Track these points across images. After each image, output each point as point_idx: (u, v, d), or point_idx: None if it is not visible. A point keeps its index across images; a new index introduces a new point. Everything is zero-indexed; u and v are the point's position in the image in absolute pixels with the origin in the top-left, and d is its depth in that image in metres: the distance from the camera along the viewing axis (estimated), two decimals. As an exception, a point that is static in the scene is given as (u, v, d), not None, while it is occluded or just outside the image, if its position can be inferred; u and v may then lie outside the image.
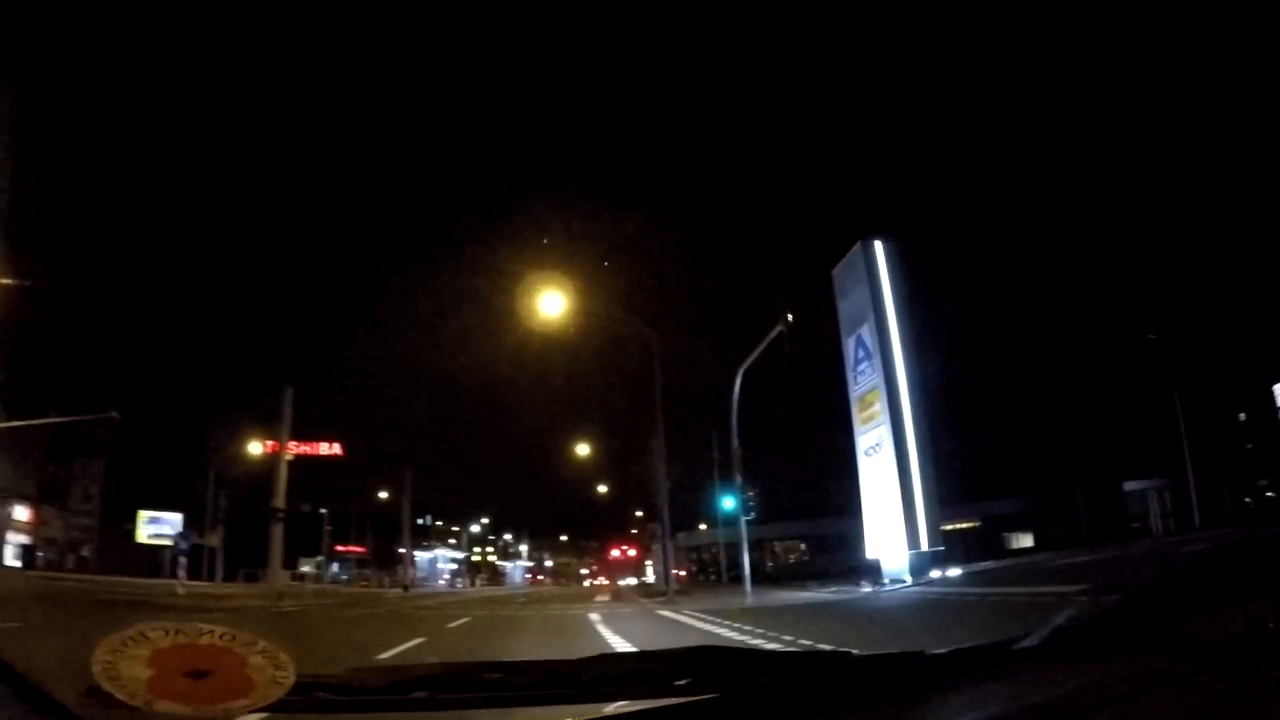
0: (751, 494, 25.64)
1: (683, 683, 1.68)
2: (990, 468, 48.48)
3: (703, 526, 63.18)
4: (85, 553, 50.32)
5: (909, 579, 26.19)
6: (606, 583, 76.27)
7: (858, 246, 31.28)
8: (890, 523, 28.24)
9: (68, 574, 39.67)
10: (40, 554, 45.12)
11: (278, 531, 39.88)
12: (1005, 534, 52.04)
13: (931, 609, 16.83)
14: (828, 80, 76.79)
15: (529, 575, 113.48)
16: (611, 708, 1.73)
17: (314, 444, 52.82)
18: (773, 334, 23.67)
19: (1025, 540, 51.49)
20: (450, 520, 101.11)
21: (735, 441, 25.68)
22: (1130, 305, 50.16)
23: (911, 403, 28.61)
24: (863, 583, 28.20)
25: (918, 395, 28.96)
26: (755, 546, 52.86)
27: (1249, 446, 55.35)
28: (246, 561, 50.09)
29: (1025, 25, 57.49)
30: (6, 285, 28.76)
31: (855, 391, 31.59)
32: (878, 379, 29.44)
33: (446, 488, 79.05)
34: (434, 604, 29.39)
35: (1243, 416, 56.90)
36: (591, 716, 1.73)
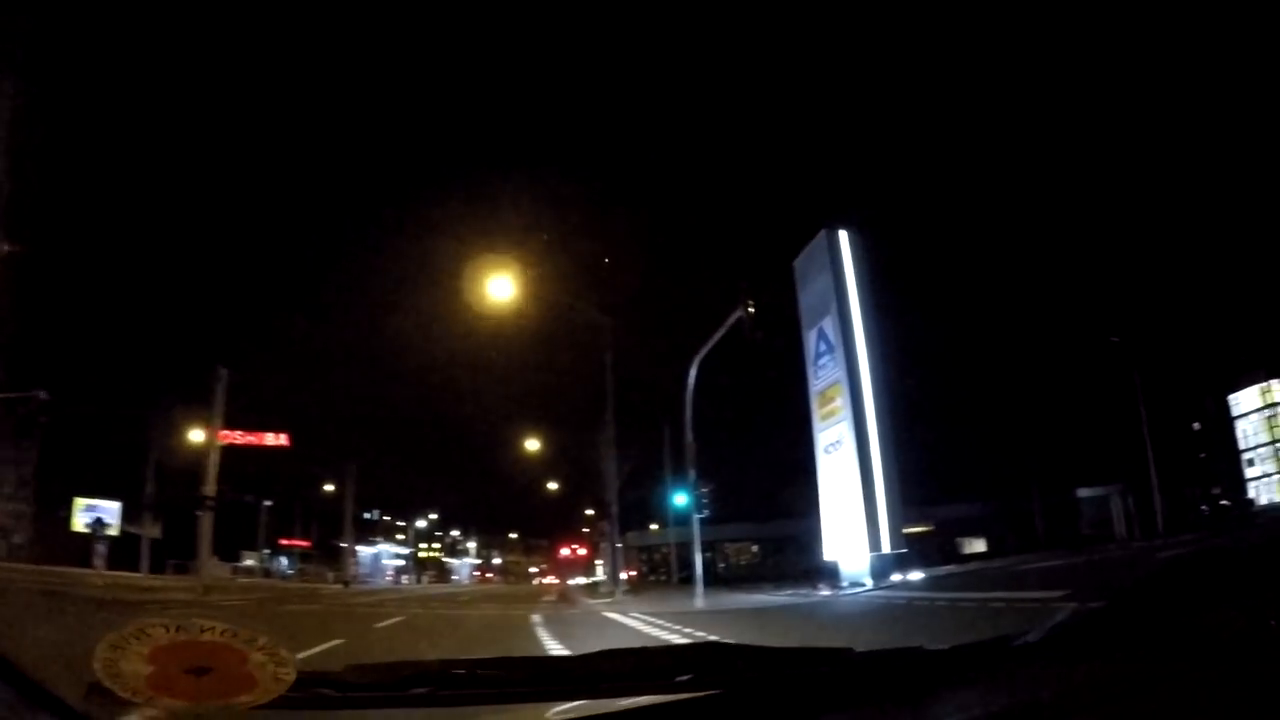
0: (705, 490, 24.22)
1: (684, 679, 1.69)
2: (942, 473, 47.84)
3: (654, 526, 62.30)
4: (18, 540, 47.99)
5: (869, 582, 25.00)
6: (556, 582, 75.12)
7: (821, 235, 30.17)
8: (850, 523, 27.05)
9: (-6, 560, 37.73)
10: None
11: (207, 521, 38.27)
12: (958, 539, 51.17)
13: (900, 615, 15.78)
14: (792, 64, 75.50)
15: (478, 573, 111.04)
16: (612, 704, 1.67)
17: (259, 434, 50.55)
18: (732, 319, 22.26)
19: (978, 545, 50.89)
20: (398, 515, 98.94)
21: (689, 435, 24.33)
22: (1085, 311, 50.09)
23: (875, 398, 27.44)
24: (820, 586, 26.98)
25: (881, 390, 27.81)
26: (707, 547, 52.11)
27: (1202, 455, 55.91)
28: (190, 553, 47.93)
29: (992, 21, 56.95)
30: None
31: (815, 386, 30.39)
32: (839, 373, 28.28)
33: (394, 482, 76.98)
34: (371, 601, 28.56)
35: (1197, 426, 57.45)
36: (592, 713, 1.68)
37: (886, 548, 25.88)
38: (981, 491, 51.22)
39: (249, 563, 62.94)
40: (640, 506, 53.08)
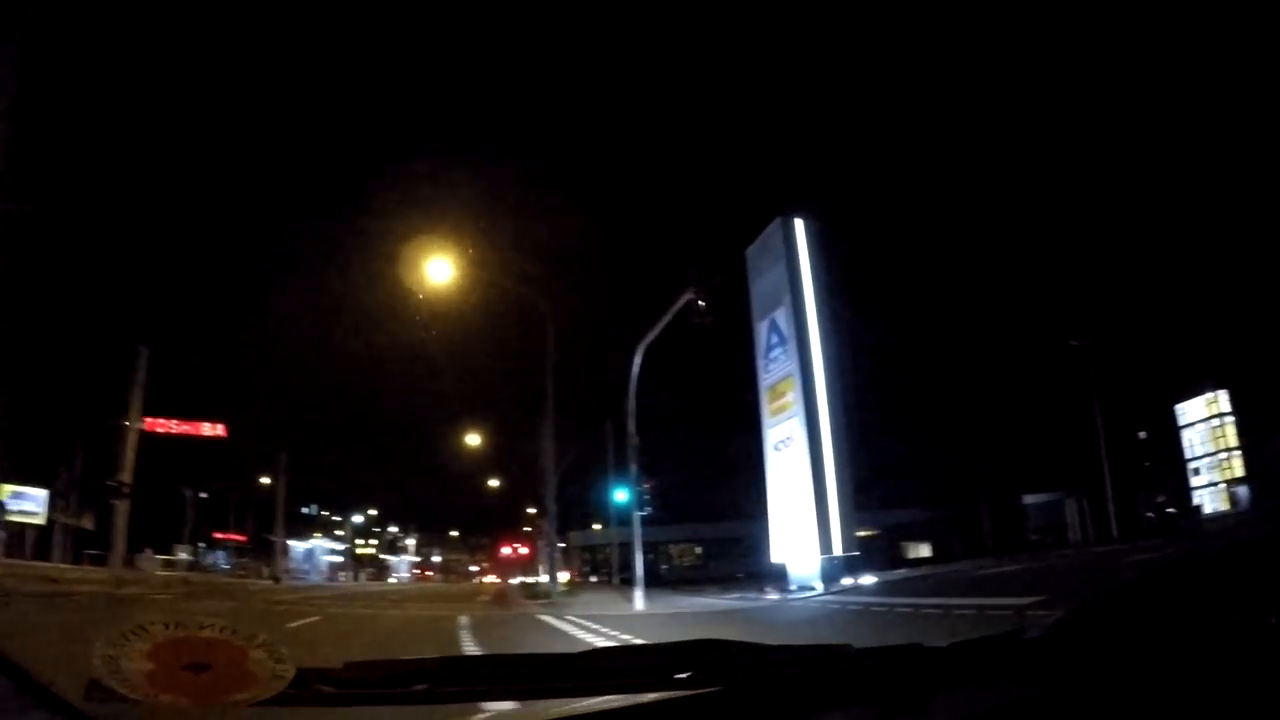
0: (647, 487, 22.77)
1: (683, 676, 1.71)
2: (887, 477, 47.24)
3: (597, 526, 61.72)
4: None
5: (820, 586, 23.76)
6: (497, 581, 74.18)
7: (776, 223, 28.91)
8: (800, 524, 25.75)
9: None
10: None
11: (123, 509, 36.36)
12: (903, 543, 51.16)
13: (857, 623, 14.87)
14: (745, 45, 74.19)
15: (418, 571, 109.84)
16: (611, 701, 1.65)
17: (195, 424, 50.03)
18: (680, 303, 20.81)
19: (923, 550, 51.00)
20: (337, 511, 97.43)
21: (631, 427, 22.97)
22: (1032, 317, 50.10)
23: (829, 392, 26.15)
24: (768, 589, 25.73)
25: (835, 384, 26.54)
26: (651, 548, 51.29)
27: (1147, 464, 56.17)
28: (132, 544, 45.99)
29: (954, 14, 56.37)
30: None
31: (766, 380, 29.08)
32: (792, 366, 27.00)
33: (334, 476, 75.02)
34: (295, 599, 27.56)
35: (1143, 435, 57.67)
36: (592, 710, 1.64)
37: (838, 550, 24.67)
38: (923, 497, 51.51)
39: (183, 556, 61.64)
40: (584, 505, 52.89)
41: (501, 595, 39.10)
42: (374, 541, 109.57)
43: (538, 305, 26.30)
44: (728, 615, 18.76)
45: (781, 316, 27.81)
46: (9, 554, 40.08)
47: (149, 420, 41.48)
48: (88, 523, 50.37)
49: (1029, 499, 51.99)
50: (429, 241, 23.28)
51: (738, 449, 36.93)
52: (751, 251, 30.50)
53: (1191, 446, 56.74)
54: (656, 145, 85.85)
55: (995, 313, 52.36)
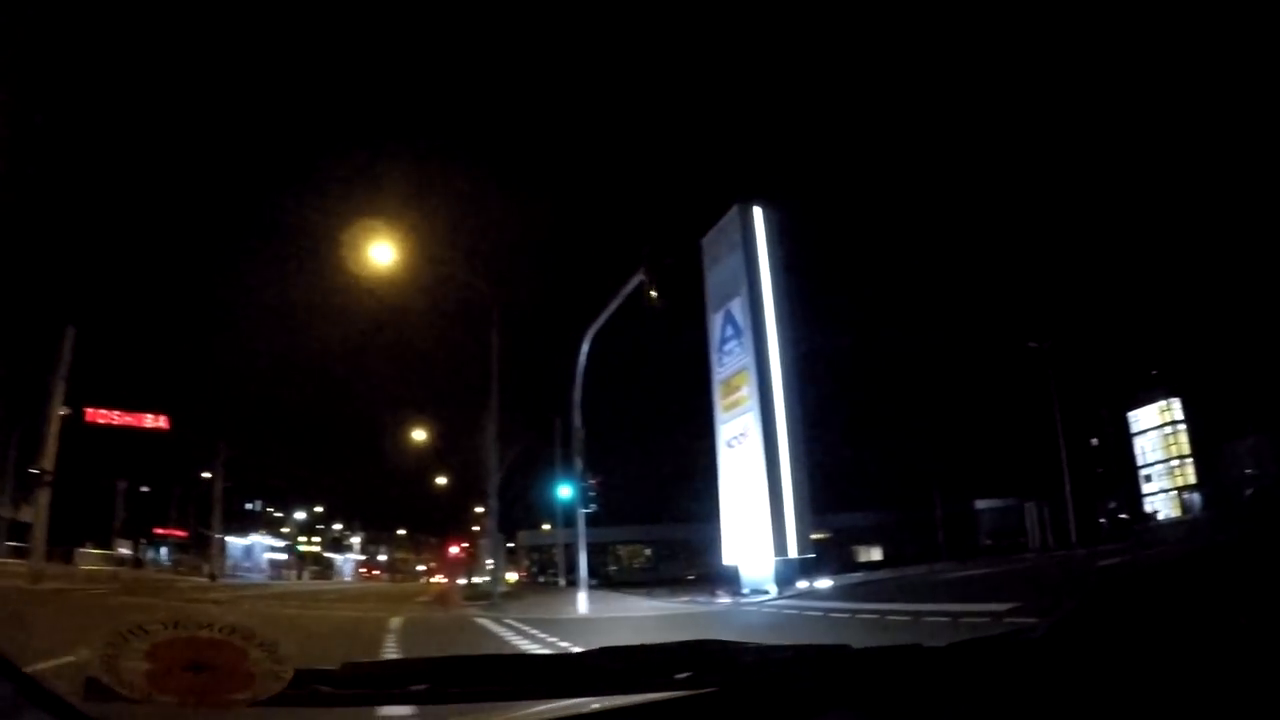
0: (593, 483, 21.47)
1: (683, 676, 1.67)
2: (836, 479, 46.82)
3: (547, 526, 60.96)
4: None
5: (773, 590, 22.56)
6: (445, 580, 73.30)
7: (734, 211, 27.77)
8: (754, 524, 24.54)
9: None
10: None
11: (43, 499, 34.35)
12: (853, 547, 50.83)
13: (818, 631, 13.75)
14: (701, 29, 73.10)
15: (364, 569, 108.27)
16: (612, 701, 1.68)
17: (138, 415, 49.27)
18: (631, 284, 19.53)
19: (874, 554, 50.94)
20: (281, 507, 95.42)
21: (577, 420, 21.63)
22: (988, 323, 50.11)
23: (785, 386, 25.03)
24: (719, 592, 24.53)
25: (791, 378, 25.41)
26: (600, 550, 50.26)
27: (1099, 470, 56.43)
28: (71, 538, 45.78)
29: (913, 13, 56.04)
30: None
31: (720, 374, 27.89)
32: (747, 359, 25.85)
33: (278, 472, 73.42)
34: (224, 597, 26.87)
35: (1095, 441, 57.93)
36: (591, 709, 1.71)
37: (793, 552, 23.54)
38: (872, 500, 51.45)
39: (124, 551, 59.95)
40: (534, 505, 52.20)
41: (443, 596, 37.84)
42: (318, 539, 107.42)
43: (483, 292, 24.86)
44: (677, 621, 17.77)
45: (737, 307, 26.65)
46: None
47: (90, 411, 41.11)
48: (27, 515, 48.61)
49: (981, 504, 52.15)
50: (372, 226, 21.98)
51: (690, 449, 36.29)
52: (708, 241, 29.30)
53: (1144, 453, 57.37)
54: (610, 134, 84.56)
55: (944, 316, 52.28)
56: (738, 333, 26.65)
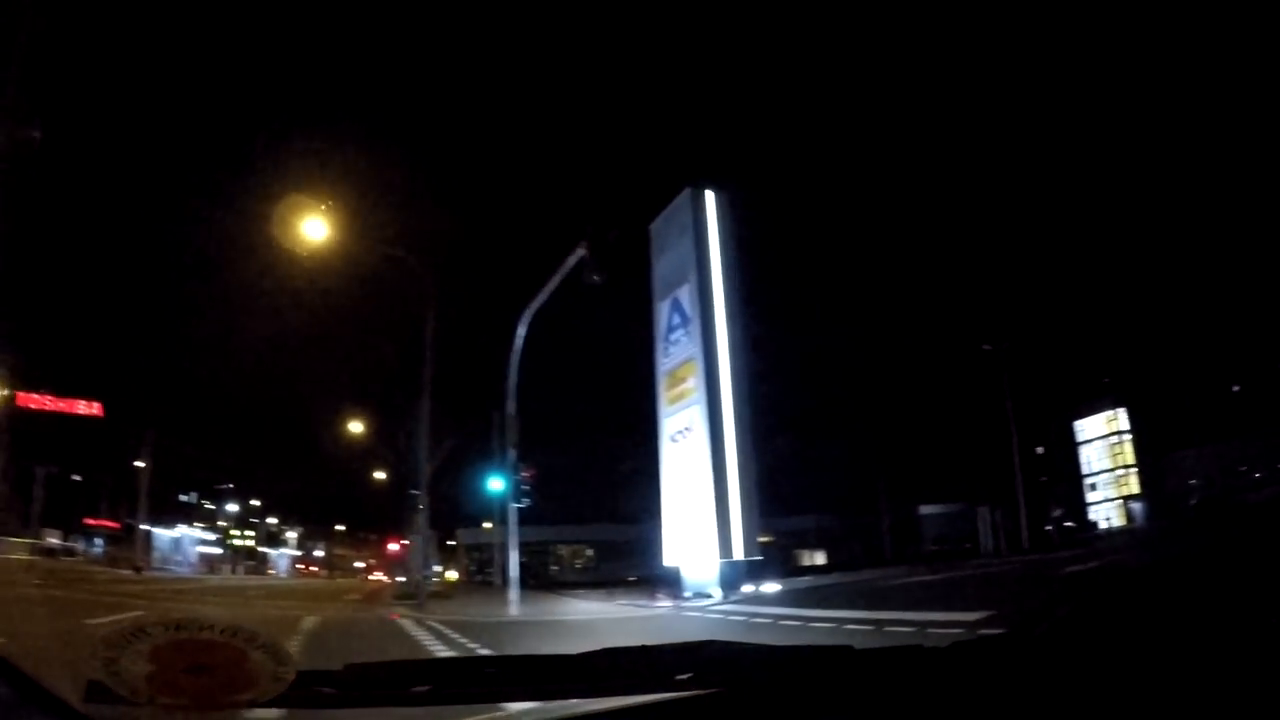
0: (526, 475, 19.88)
1: (684, 677, 1.67)
2: (779, 482, 45.92)
3: (488, 524, 59.22)
4: None
5: (718, 593, 21.18)
6: (385, 578, 72.74)
7: (685, 194, 26.42)
8: (698, 523, 23.11)
9: None
10: None
11: None
12: (796, 550, 50.29)
13: (777, 640, 11.90)
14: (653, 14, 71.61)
15: (301, 565, 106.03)
16: (612, 702, 1.70)
17: (70, 401, 49.03)
18: (571, 261, 18.10)
19: (818, 558, 50.59)
20: (216, 500, 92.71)
21: (511, 405, 20.13)
22: (937, 329, 49.73)
23: (733, 378, 23.72)
24: (659, 595, 23.10)
25: (741, 370, 24.13)
26: (540, 550, 48.72)
27: (1044, 479, 56.56)
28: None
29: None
30: None
31: (665, 365, 26.49)
32: (695, 349, 24.48)
33: (212, 463, 71.20)
34: (140, 590, 25.53)
35: (1040, 449, 58.00)
36: (592, 710, 1.71)
37: (739, 554, 22.15)
38: (816, 504, 51.02)
39: (53, 541, 57.82)
40: (473, 501, 50.38)
41: (373, 594, 36.95)
42: (252, 534, 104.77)
43: (416, 269, 23.17)
44: (612, 625, 16.82)
45: (685, 295, 25.28)
46: None
47: (22, 396, 41.27)
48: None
49: (925, 509, 52.30)
50: (304, 201, 20.37)
51: (635, 446, 35.40)
52: (656, 226, 27.91)
53: (1089, 462, 57.56)
54: (557, 114, 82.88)
55: (889, 319, 51.73)
56: (685, 321, 25.28)
